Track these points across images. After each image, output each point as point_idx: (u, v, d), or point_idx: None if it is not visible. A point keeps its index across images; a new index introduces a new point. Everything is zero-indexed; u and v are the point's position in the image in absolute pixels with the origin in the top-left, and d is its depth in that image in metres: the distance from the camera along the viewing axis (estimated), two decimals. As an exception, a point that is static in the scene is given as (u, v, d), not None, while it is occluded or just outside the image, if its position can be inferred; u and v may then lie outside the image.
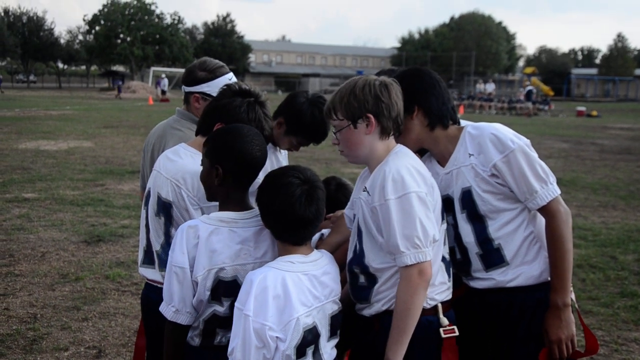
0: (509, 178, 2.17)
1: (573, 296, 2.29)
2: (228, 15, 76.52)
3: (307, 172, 2.08)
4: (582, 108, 35.92)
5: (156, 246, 2.41)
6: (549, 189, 2.17)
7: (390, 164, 2.09)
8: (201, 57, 2.96)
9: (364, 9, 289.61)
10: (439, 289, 2.16)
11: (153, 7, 66.13)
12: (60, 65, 73.68)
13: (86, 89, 62.71)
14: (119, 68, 71.24)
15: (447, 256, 2.22)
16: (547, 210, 2.19)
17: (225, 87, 2.50)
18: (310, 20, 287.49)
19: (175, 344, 2.17)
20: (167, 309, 2.10)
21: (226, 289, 2.09)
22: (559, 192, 2.20)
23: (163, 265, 2.34)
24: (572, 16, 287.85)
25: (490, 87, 38.74)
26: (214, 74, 2.84)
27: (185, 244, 2.05)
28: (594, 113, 34.17)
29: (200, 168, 2.23)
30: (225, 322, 2.11)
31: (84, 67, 78.89)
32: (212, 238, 2.06)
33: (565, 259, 2.18)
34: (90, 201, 8.70)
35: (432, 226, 2.05)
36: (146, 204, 2.46)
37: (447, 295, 2.20)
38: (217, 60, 2.93)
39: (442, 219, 2.18)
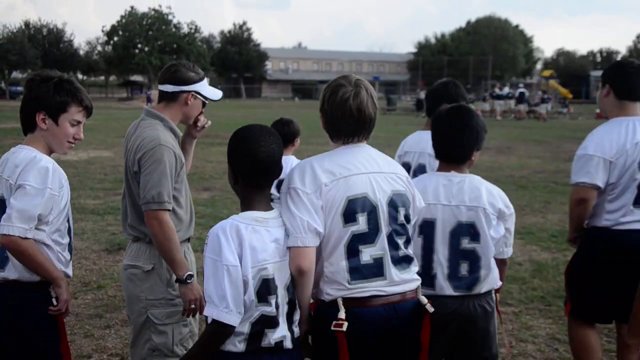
0: None
1: None
2: (244, 23, 77.01)
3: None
4: (601, 110, 35.45)
5: None
6: None
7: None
8: (175, 62, 3.00)
9: (379, 14, 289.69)
10: (338, 287, 2.23)
11: (170, 17, 66.94)
12: (80, 76, 74.54)
13: (105, 99, 63.36)
14: (137, 78, 71.98)
15: (366, 260, 2.24)
16: None
17: (29, 79, 2.62)
18: (325, 26, 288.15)
19: (214, 347, 2.12)
20: (219, 312, 2.05)
21: (268, 287, 2.12)
22: None
23: None
24: (590, 18, 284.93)
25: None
26: (201, 76, 2.94)
27: (232, 243, 2.08)
28: (614, 115, 33.69)
29: (21, 156, 2.45)
30: (273, 322, 2.14)
31: (102, 78, 79.78)
32: (252, 237, 2.13)
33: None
34: (111, 210, 8.77)
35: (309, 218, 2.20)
36: None
37: (351, 293, 2.22)
38: None
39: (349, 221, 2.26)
